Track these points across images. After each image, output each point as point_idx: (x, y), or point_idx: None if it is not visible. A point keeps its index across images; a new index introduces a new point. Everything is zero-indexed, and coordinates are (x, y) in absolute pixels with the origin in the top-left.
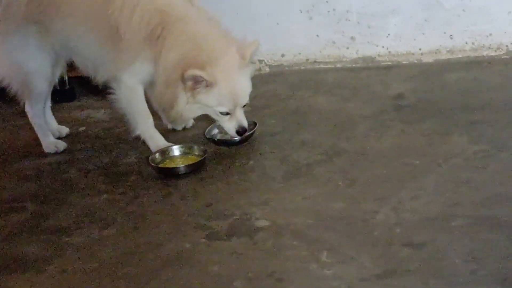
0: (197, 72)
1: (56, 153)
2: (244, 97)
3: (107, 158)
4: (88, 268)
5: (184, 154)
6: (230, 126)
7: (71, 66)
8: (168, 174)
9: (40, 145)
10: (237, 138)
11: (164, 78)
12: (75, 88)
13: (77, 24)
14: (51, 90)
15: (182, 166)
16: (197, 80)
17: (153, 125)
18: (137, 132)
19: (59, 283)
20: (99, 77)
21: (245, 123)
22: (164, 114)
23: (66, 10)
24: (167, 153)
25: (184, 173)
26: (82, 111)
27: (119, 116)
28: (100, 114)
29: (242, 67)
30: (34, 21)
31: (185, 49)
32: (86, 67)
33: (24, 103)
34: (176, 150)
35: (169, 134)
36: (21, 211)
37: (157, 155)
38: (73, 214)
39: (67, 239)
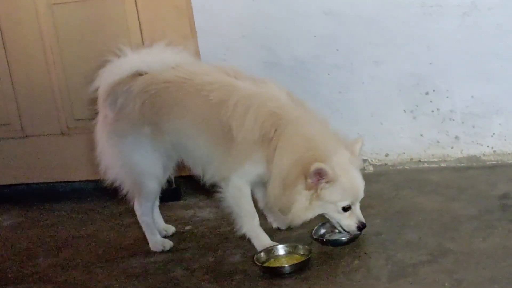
0: (323, 165)
1: (162, 251)
2: (362, 190)
3: (212, 257)
4: None
5: (289, 253)
6: (351, 223)
7: (177, 166)
8: (273, 274)
9: (146, 243)
10: (344, 238)
11: (280, 180)
12: (181, 187)
13: (189, 126)
14: (160, 189)
15: (287, 265)
16: (321, 175)
17: (259, 224)
18: (243, 231)
19: None
20: (208, 177)
21: (363, 219)
22: (272, 214)
23: (178, 111)
24: (272, 252)
25: (289, 273)
26: (188, 210)
27: (224, 215)
28: (205, 213)
29: (354, 162)
30: (147, 123)
31: (301, 149)
32: (196, 167)
33: (133, 202)
34: (281, 250)
35: (274, 233)
36: None
37: (262, 254)
38: None
39: None
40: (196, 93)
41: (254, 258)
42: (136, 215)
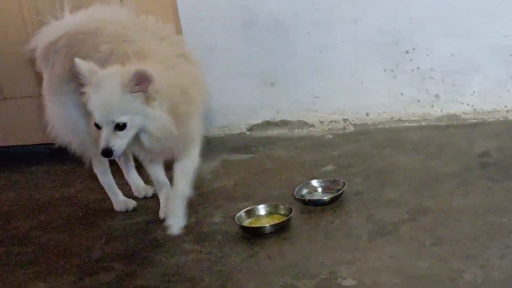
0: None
1: (126, 211)
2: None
3: (193, 218)
4: None
5: (270, 213)
6: None
7: None
8: (254, 234)
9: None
10: (326, 198)
11: None
12: None
13: None
14: None
15: (268, 225)
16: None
17: None
18: None
19: None
20: None
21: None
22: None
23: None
24: (253, 212)
25: (269, 233)
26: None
27: (206, 175)
28: None
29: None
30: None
31: None
32: None
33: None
34: (262, 209)
35: (249, 194)
36: (109, 270)
37: (243, 214)
38: (161, 274)
39: None
40: (96, 44)
41: (235, 218)
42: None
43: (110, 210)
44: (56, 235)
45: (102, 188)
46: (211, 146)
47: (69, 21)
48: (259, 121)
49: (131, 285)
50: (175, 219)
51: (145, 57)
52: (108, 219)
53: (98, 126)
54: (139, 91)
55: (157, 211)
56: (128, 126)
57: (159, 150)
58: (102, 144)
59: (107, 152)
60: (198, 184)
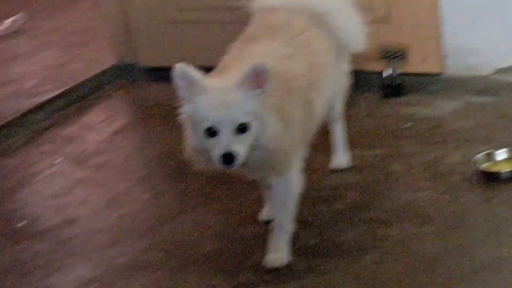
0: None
1: None
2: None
3: (431, 155)
4: (404, 262)
5: (509, 158)
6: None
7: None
8: (490, 178)
9: (367, 136)
10: None
11: None
12: (404, 84)
13: None
14: None
15: (505, 171)
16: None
17: None
18: None
19: (374, 273)
20: None
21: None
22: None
23: None
24: (492, 156)
25: (507, 179)
26: (409, 107)
27: (446, 115)
28: (427, 111)
29: None
30: None
31: None
32: None
33: None
34: (501, 154)
35: None
36: (341, 199)
37: (481, 157)
38: (392, 208)
39: (384, 231)
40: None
41: (472, 160)
42: None
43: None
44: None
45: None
46: (454, 85)
47: None
48: (506, 65)
49: (362, 216)
50: (278, 255)
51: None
52: (352, 149)
53: (210, 134)
54: (257, 88)
55: (396, 146)
56: (248, 131)
57: (264, 167)
58: (222, 148)
59: (229, 158)
60: (439, 122)
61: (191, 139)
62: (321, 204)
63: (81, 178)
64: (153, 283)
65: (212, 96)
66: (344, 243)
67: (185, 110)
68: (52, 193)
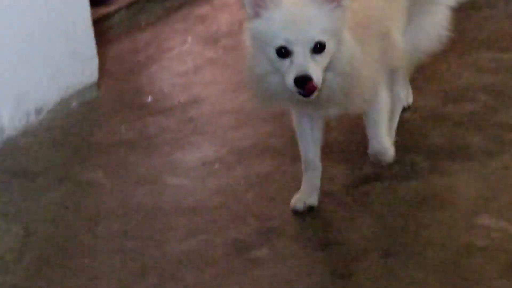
0: None
1: None
2: None
3: None
4: None
5: None
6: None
7: None
8: None
9: (505, 39)
10: None
11: None
12: None
13: None
14: None
15: None
16: None
17: None
18: None
19: (500, 178)
20: None
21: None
22: None
23: None
24: None
25: None
26: None
27: None
28: None
29: None
30: None
31: None
32: None
33: None
34: None
35: None
36: (473, 101)
37: None
38: None
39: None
40: None
41: None
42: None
43: (484, 42)
44: None
45: (482, 18)
46: None
47: None
48: None
49: (492, 119)
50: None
51: None
52: (479, 51)
53: (282, 55)
54: (333, 2)
55: None
56: (326, 50)
57: (340, 95)
58: (297, 71)
59: (305, 80)
60: None
61: (256, 63)
62: (449, 104)
63: (211, 58)
64: (275, 167)
65: (286, 11)
66: (471, 147)
67: (252, 27)
68: (181, 71)
